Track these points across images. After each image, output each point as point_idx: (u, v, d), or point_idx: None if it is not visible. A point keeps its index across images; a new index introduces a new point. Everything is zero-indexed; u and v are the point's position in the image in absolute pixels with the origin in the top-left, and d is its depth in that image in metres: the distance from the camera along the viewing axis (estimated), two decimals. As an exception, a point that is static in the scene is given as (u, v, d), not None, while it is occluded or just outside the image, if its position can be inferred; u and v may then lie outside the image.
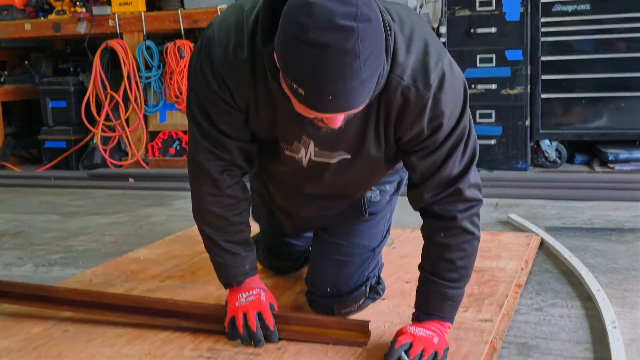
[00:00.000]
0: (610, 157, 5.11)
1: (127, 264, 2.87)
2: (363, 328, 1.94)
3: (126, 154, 6.06)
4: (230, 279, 2.03)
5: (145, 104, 5.88)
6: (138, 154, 5.91)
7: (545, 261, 2.87)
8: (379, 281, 2.27)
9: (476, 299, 2.27)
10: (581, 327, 2.13)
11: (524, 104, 5.15)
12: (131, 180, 5.44)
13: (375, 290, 2.24)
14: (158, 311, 2.14)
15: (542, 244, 3.09)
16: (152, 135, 6.05)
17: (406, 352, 1.76)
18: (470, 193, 1.82)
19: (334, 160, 1.88)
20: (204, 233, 2.00)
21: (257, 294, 1.99)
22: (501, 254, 2.81)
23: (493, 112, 5.23)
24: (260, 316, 1.96)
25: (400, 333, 1.83)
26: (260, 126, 1.86)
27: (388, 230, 2.28)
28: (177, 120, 5.86)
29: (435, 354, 1.77)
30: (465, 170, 1.81)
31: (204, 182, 1.92)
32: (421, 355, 1.75)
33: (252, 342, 1.95)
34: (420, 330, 1.82)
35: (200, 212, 1.98)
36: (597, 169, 5.12)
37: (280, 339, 1.97)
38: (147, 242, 3.34)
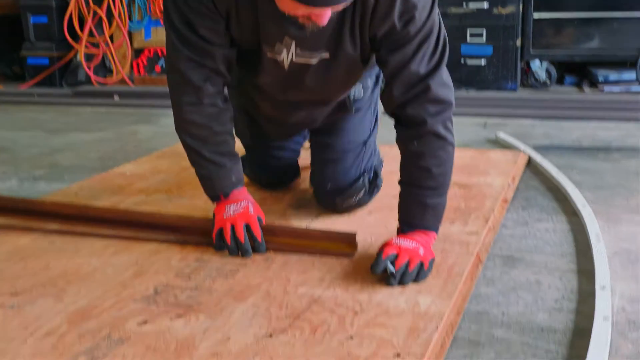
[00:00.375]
0: (600, 79, 5.09)
1: (113, 179, 2.86)
2: (350, 239, 1.96)
3: (111, 72, 5.99)
4: (216, 191, 2.03)
5: (130, 20, 5.78)
6: (123, 71, 5.84)
7: (532, 178, 2.88)
8: (377, 175, 2.32)
9: (463, 213, 2.29)
10: (566, 241, 2.16)
11: (516, 23, 5.10)
12: (116, 97, 5.39)
13: (375, 184, 2.31)
14: (145, 224, 2.15)
15: (530, 162, 3.10)
16: (137, 52, 5.98)
17: (392, 262, 1.77)
18: (441, 92, 1.83)
19: (314, 61, 1.91)
20: (187, 145, 2.01)
21: (245, 206, 1.99)
22: (489, 170, 2.82)
23: (484, 31, 5.18)
24: (248, 228, 1.97)
25: (386, 245, 1.84)
26: (241, 31, 1.87)
27: (376, 122, 2.34)
28: (163, 37, 5.73)
29: (421, 265, 1.78)
30: (435, 68, 1.82)
31: (186, 91, 1.92)
32: (407, 266, 1.76)
33: (240, 253, 1.96)
34: (406, 242, 1.83)
35: (182, 124, 1.99)
36: (587, 90, 5.10)
37: (267, 250, 1.99)
38: (133, 158, 3.32)
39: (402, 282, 1.74)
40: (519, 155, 3.08)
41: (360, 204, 2.30)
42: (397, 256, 1.79)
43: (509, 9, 5.07)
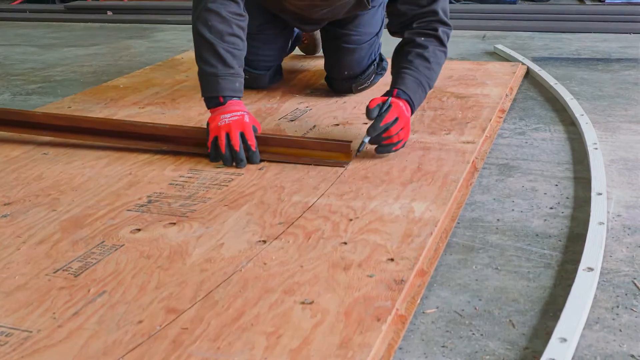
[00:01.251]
0: (602, -10, 4.99)
1: (106, 92, 2.83)
2: (345, 149, 1.95)
3: (103, -14, 5.86)
4: (217, 91, 2.00)
5: None
6: (116, -14, 5.72)
7: (530, 89, 2.84)
8: (382, 58, 2.69)
9: (459, 123, 2.26)
10: (563, 150, 2.13)
11: None
12: (109, 13, 5.29)
13: (381, 66, 2.68)
14: (138, 134, 2.12)
15: (528, 73, 3.06)
16: (130, -34, 5.83)
17: (384, 111, 1.94)
18: (444, 16, 2.15)
19: None
20: (203, 38, 2.01)
21: (241, 115, 1.98)
22: (486, 81, 2.78)
23: (483, -58, 5.05)
24: (242, 136, 1.96)
25: (394, 103, 1.97)
26: None
27: (384, 17, 2.60)
28: (155, -50, 5.63)
29: (399, 142, 1.96)
30: None
31: None
32: (392, 125, 1.93)
33: (234, 163, 1.96)
34: (398, 100, 1.99)
35: (205, 13, 2.02)
36: (588, 2, 5.01)
37: (262, 161, 1.97)
38: (126, 72, 3.28)
39: (382, 151, 1.97)
40: (517, 66, 3.04)
41: (371, 85, 2.67)
42: (390, 107, 1.95)
43: None
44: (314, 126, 2.28)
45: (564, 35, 4.05)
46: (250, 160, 1.96)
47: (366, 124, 2.25)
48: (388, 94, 2.02)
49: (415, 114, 2.36)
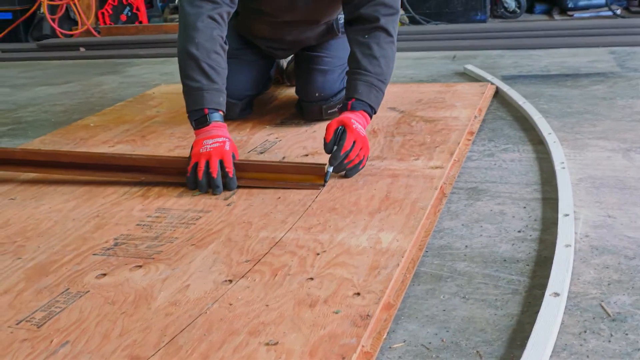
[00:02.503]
0: (570, 4, 5.05)
1: (76, 131, 2.81)
2: (319, 171, 2.01)
3: (76, 23, 5.86)
4: (202, 104, 2.09)
5: (91, -32, 5.63)
6: (88, 23, 5.72)
7: (499, 109, 2.85)
8: None
9: (428, 148, 2.26)
10: (531, 170, 2.13)
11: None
12: (82, 49, 5.28)
13: None
14: (117, 166, 2.16)
15: (497, 93, 3.07)
16: (102, 1, 5.84)
17: (341, 140, 2.02)
18: (391, 0, 2.21)
19: None
20: (188, 54, 2.11)
21: (222, 142, 2.05)
22: (455, 103, 2.79)
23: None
24: (221, 163, 2.02)
25: (348, 130, 2.05)
26: None
27: None
28: (126, -16, 5.64)
29: (360, 162, 2.05)
30: None
31: (204, 5, 2.14)
32: (351, 150, 2.02)
33: (210, 189, 2.01)
34: (359, 127, 2.07)
35: (193, 32, 2.12)
36: (557, 17, 5.05)
37: (238, 187, 2.03)
38: (98, 110, 3.26)
39: (350, 175, 2.05)
40: (486, 86, 3.05)
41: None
42: (353, 145, 2.03)
43: None
44: (283, 157, 2.27)
45: (533, 51, 4.07)
46: (227, 187, 2.01)
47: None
48: (343, 107, 2.15)
49: (385, 139, 2.36)
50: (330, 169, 2.01)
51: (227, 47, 2.18)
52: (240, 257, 1.60)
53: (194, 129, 2.11)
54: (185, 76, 2.13)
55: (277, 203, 1.90)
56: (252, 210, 1.87)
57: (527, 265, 1.55)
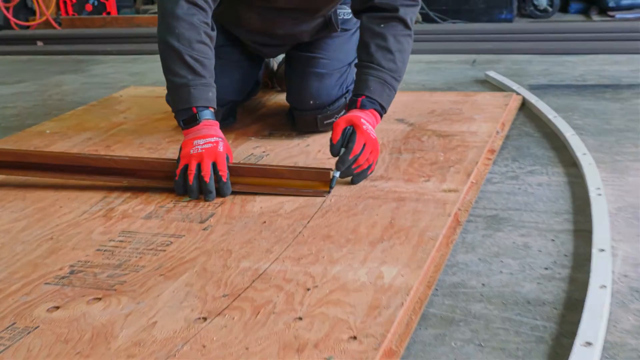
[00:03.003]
0: (611, 4, 5.08)
1: (30, 139, 2.82)
2: (324, 177, 2.09)
3: (34, 13, 5.88)
4: (189, 102, 2.16)
5: (53, -51, 5.67)
6: (48, 13, 5.74)
7: (525, 124, 2.86)
8: None
9: (440, 167, 2.26)
10: (562, 196, 2.14)
11: None
12: (40, 43, 5.30)
13: None
14: (95, 169, 2.24)
15: (524, 105, 3.08)
16: (64, -12, 5.87)
17: (350, 142, 2.10)
18: None
19: None
20: (169, 46, 2.17)
21: (215, 142, 2.13)
22: (474, 116, 2.80)
23: (473, -48, 5.13)
24: (214, 166, 2.10)
25: (358, 130, 2.13)
26: None
27: None
28: (93, -32, 5.67)
29: (371, 165, 2.14)
30: None
31: None
32: (361, 154, 2.10)
33: (203, 195, 2.10)
34: (369, 127, 2.15)
35: (172, 21, 2.17)
36: (595, 17, 5.09)
37: (233, 192, 2.12)
38: (55, 114, 3.28)
39: (358, 181, 2.14)
40: (511, 97, 3.06)
41: None
42: (363, 149, 2.11)
43: None
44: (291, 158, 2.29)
45: (567, 57, 4.09)
46: (220, 192, 2.10)
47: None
48: (352, 104, 2.23)
49: (390, 157, 2.37)
50: (337, 174, 2.08)
51: (214, 34, 2.24)
52: (216, 290, 1.59)
53: (182, 129, 2.18)
54: (168, 71, 2.19)
55: (261, 228, 1.90)
56: (232, 235, 1.87)
57: (555, 308, 1.55)
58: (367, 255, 1.72)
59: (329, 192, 2.08)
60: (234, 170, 2.13)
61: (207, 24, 2.21)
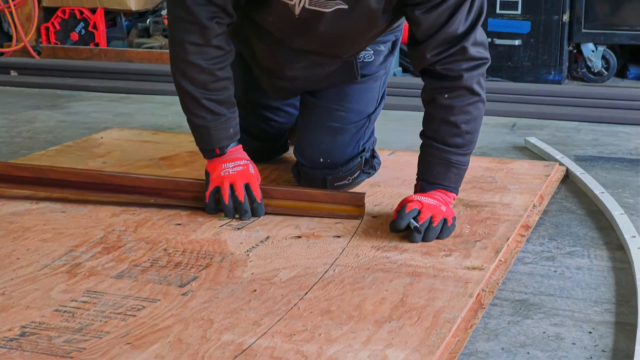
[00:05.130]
0: (675, 70, 5.10)
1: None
2: (358, 201, 2.31)
3: (10, 38, 5.96)
4: (212, 144, 2.41)
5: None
6: (26, 39, 5.81)
7: (567, 199, 2.86)
8: (374, 155, 2.80)
9: (465, 241, 2.26)
10: (604, 283, 2.13)
11: (562, -9, 5.11)
12: (14, 73, 5.36)
13: (370, 164, 2.78)
14: (119, 187, 2.52)
15: (567, 177, 3.08)
16: (48, 12, 5.95)
17: (415, 218, 2.20)
18: (476, 51, 2.29)
19: (328, 10, 2.29)
20: (184, 91, 2.38)
21: (245, 165, 2.42)
22: (508, 186, 2.80)
23: (519, 1, 5.18)
24: (247, 188, 2.38)
25: (406, 200, 2.27)
26: None
27: (383, 96, 2.78)
28: (82, -7, 5.76)
29: (445, 220, 2.23)
30: (471, 28, 2.25)
31: (191, 30, 2.30)
32: (430, 222, 2.20)
33: (237, 214, 2.38)
34: (427, 199, 2.26)
35: (182, 66, 2.36)
36: (656, 83, 5.11)
37: (266, 214, 2.40)
38: (24, 154, 3.30)
39: (426, 238, 2.20)
40: (553, 167, 3.07)
41: (352, 184, 2.71)
42: (419, 212, 2.22)
43: (554, -28, 5.09)
44: (267, 238, 2.28)
45: (621, 128, 4.10)
46: (255, 213, 2.39)
47: (338, 237, 2.27)
48: (415, 187, 2.37)
49: (407, 226, 2.37)
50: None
51: (229, 55, 2.39)
52: (191, 365, 1.59)
53: (205, 158, 2.47)
54: (185, 110, 2.42)
55: (251, 297, 1.90)
56: (215, 303, 1.86)
57: (588, 412, 1.53)
58: (371, 336, 1.71)
59: (362, 216, 2.35)
60: (267, 192, 2.41)
61: (218, 57, 2.36)
